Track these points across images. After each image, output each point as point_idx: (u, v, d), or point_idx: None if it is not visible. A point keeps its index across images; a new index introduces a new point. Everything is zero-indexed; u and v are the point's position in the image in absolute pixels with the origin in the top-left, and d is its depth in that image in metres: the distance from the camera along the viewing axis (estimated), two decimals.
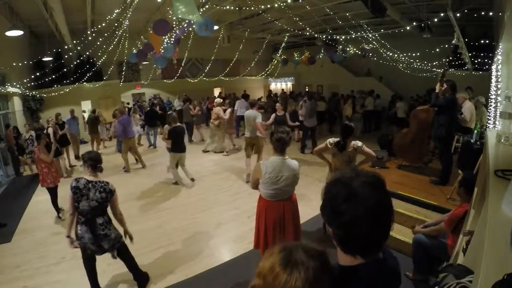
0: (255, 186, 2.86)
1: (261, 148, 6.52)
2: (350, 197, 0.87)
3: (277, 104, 8.29)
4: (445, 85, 4.47)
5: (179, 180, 6.19)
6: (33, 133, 6.87)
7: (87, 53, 11.47)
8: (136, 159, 7.71)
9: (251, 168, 6.61)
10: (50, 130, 6.96)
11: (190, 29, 8.32)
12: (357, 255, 0.91)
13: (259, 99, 14.09)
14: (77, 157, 8.54)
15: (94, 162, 2.76)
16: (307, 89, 18.37)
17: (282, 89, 15.24)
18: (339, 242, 0.92)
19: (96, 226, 2.71)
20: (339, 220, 0.88)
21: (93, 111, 10.06)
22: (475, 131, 4.68)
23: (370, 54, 12.99)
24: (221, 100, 9.12)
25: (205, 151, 8.71)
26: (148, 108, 10.24)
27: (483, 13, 7.06)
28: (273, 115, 7.33)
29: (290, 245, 0.83)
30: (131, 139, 7.35)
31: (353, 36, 10.02)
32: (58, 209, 4.94)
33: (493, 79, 3.35)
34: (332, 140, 3.71)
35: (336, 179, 0.95)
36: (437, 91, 4.58)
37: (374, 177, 0.92)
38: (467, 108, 5.52)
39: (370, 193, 0.86)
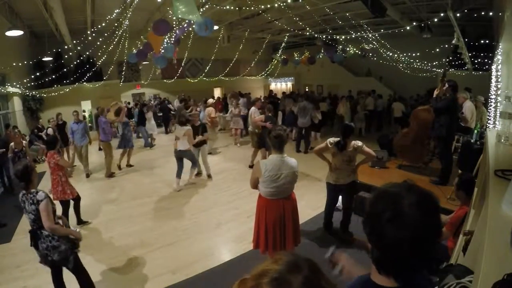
0: (255, 185, 2.87)
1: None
2: (395, 218, 0.77)
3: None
4: (446, 85, 4.48)
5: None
6: (24, 143, 6.50)
7: (87, 53, 11.46)
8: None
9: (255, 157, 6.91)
10: (50, 130, 6.93)
11: (190, 29, 8.32)
12: (391, 278, 0.84)
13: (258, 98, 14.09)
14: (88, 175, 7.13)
15: (17, 177, 2.68)
16: (306, 89, 18.37)
17: (283, 92, 15.35)
18: (375, 262, 0.86)
19: (43, 238, 2.58)
20: (380, 242, 0.81)
21: (97, 109, 10.07)
22: (475, 131, 4.69)
23: (370, 54, 12.98)
24: (213, 101, 9.51)
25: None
26: (138, 108, 10.36)
27: (483, 13, 7.06)
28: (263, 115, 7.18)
29: (299, 262, 0.68)
30: (104, 143, 6.84)
31: (353, 36, 10.02)
32: (82, 222, 4.53)
33: (493, 79, 3.35)
34: (332, 139, 3.72)
35: (384, 192, 0.85)
36: (435, 95, 4.60)
37: (427, 197, 0.81)
38: (468, 107, 5.53)
39: (419, 217, 0.76)
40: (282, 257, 0.69)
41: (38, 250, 2.63)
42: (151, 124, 10.13)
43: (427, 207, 0.79)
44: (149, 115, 10.14)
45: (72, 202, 4.42)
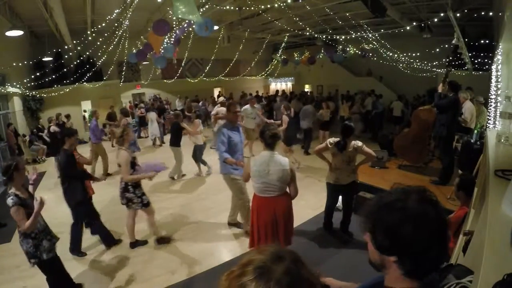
0: (247, 178, 3.02)
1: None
2: (418, 221, 0.77)
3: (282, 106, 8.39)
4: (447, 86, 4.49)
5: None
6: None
7: (87, 53, 11.46)
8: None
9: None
10: (53, 129, 6.84)
11: (190, 29, 8.32)
12: (417, 279, 0.83)
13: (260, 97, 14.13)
14: None
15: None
16: (306, 89, 18.37)
17: (283, 91, 15.28)
18: (406, 271, 0.82)
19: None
20: (410, 250, 0.79)
21: (110, 107, 10.51)
22: (475, 131, 4.69)
23: (370, 54, 12.99)
24: (224, 99, 9.53)
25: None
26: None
27: (483, 13, 7.07)
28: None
29: (282, 253, 0.70)
30: (95, 145, 6.78)
31: (353, 36, 10.03)
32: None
33: (493, 79, 3.35)
34: (332, 140, 3.72)
35: (384, 205, 0.84)
36: (440, 91, 4.59)
37: (421, 189, 0.84)
38: (467, 108, 5.53)
39: (431, 208, 0.79)
40: (267, 248, 0.73)
41: None
42: (153, 126, 9.93)
43: (429, 197, 0.82)
44: (151, 116, 9.94)
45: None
